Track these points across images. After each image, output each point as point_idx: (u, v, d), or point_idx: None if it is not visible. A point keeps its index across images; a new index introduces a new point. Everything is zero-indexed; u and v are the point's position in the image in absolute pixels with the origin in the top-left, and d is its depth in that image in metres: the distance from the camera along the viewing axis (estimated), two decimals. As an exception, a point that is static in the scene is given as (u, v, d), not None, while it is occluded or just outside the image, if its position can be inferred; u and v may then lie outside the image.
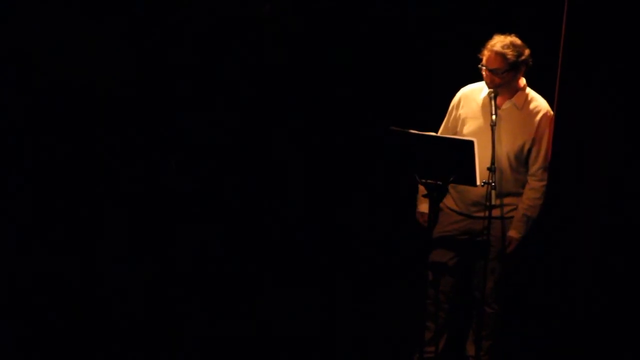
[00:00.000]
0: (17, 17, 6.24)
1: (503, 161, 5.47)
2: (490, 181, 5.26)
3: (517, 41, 5.41)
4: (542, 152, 5.48)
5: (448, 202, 5.63)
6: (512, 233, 5.52)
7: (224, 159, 6.69)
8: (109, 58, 6.38)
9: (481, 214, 5.46)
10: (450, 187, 5.54)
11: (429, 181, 5.28)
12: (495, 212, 5.44)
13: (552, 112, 5.46)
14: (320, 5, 6.56)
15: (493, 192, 5.25)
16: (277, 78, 6.64)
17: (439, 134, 5.62)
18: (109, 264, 6.40)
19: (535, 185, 5.49)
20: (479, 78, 5.51)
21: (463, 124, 5.57)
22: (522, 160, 5.50)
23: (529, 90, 5.55)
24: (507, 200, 5.51)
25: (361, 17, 6.52)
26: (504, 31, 5.43)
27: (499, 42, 5.38)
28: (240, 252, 6.65)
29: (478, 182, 5.21)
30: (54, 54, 6.28)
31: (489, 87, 5.46)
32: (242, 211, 6.71)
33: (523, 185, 5.53)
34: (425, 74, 6.42)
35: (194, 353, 5.82)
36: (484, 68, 5.42)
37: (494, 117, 5.37)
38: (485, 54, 5.40)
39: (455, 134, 5.58)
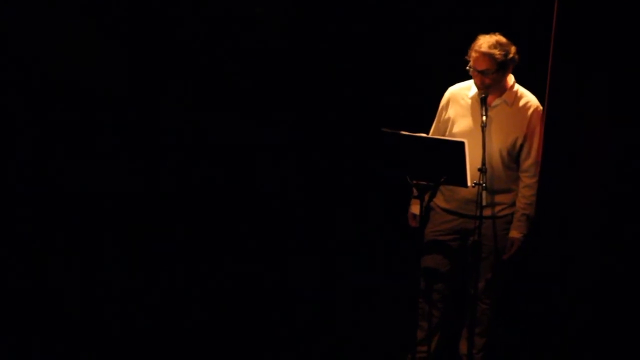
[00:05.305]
0: (16, 17, 6.29)
1: (495, 158, 5.48)
2: (481, 182, 5.28)
3: (503, 40, 5.40)
4: (534, 148, 5.49)
5: (439, 201, 5.62)
6: (514, 234, 5.52)
7: (221, 159, 6.72)
8: (105, 57, 6.42)
9: (473, 213, 5.48)
10: (442, 187, 5.51)
11: (420, 182, 5.33)
12: (487, 212, 5.46)
13: (541, 108, 5.47)
14: (315, 4, 6.58)
15: (484, 193, 5.27)
16: (273, 79, 6.66)
17: (429, 135, 5.63)
18: (107, 265, 6.47)
19: (529, 182, 5.51)
20: (469, 76, 5.51)
21: (453, 124, 5.58)
22: (514, 156, 5.52)
23: (518, 86, 5.56)
24: (498, 198, 5.52)
25: (356, 18, 6.53)
26: (495, 29, 5.44)
27: (485, 43, 5.37)
28: (239, 251, 6.68)
29: (469, 183, 5.24)
30: (51, 53, 6.32)
31: (479, 88, 5.46)
32: (240, 210, 6.75)
33: (514, 181, 5.55)
34: (416, 74, 6.43)
35: (192, 353, 5.89)
36: (472, 70, 5.42)
37: (484, 118, 5.38)
38: (473, 56, 5.39)
39: (445, 134, 5.60)
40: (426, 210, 5.48)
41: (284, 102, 6.68)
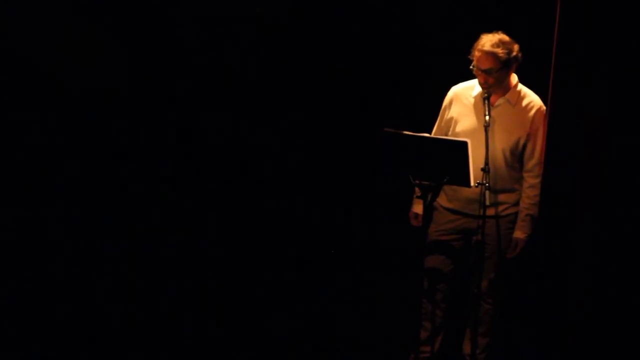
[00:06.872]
0: (14, 17, 6.27)
1: (499, 158, 5.47)
2: (485, 182, 5.26)
3: (506, 38, 5.39)
4: (538, 148, 5.48)
5: (442, 201, 5.61)
6: (518, 234, 5.52)
7: (220, 159, 6.71)
8: (105, 58, 6.42)
9: (476, 213, 5.47)
10: (445, 186, 5.50)
11: (423, 182, 5.31)
12: (490, 211, 5.44)
13: (545, 107, 5.47)
14: (315, 4, 6.57)
15: (487, 192, 5.25)
16: (273, 79, 6.66)
17: (432, 135, 5.62)
18: (107, 264, 6.46)
19: (533, 182, 5.49)
20: (472, 76, 5.51)
21: (456, 124, 5.56)
22: (517, 156, 5.51)
23: (521, 86, 5.55)
24: (501, 197, 5.52)
25: (356, 18, 6.53)
26: (496, 28, 5.43)
27: (488, 42, 5.36)
28: (239, 251, 6.67)
29: (472, 183, 5.22)
30: (51, 54, 6.31)
31: (483, 87, 5.44)
32: (241, 210, 6.74)
33: (517, 180, 5.54)
34: (418, 74, 6.42)
35: (191, 353, 5.87)
36: (476, 69, 5.41)
37: (487, 117, 5.37)
38: (476, 55, 5.38)
39: (448, 134, 5.59)
40: (429, 210, 5.47)
41: (284, 102, 6.67)
